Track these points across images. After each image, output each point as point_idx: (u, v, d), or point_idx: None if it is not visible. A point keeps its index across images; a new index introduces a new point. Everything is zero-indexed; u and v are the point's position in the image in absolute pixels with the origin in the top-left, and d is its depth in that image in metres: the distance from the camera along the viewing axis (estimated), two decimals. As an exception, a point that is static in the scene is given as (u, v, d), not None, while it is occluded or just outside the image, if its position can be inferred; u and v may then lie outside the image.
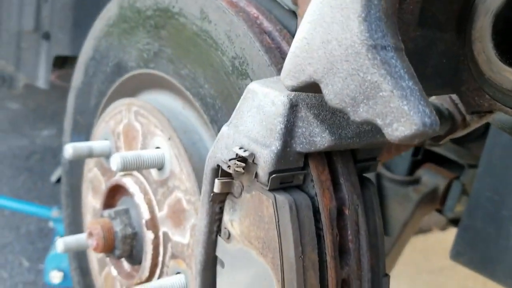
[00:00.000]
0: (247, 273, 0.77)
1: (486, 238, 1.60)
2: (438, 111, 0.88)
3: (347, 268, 0.76)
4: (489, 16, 0.66)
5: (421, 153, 2.05)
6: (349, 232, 0.76)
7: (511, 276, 1.48)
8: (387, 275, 0.81)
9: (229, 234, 0.79)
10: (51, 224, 2.77)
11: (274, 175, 0.70)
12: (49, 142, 4.02)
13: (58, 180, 3.00)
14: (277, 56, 0.79)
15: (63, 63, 2.34)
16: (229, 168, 0.73)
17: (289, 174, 0.72)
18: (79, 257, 1.48)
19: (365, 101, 0.54)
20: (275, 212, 0.70)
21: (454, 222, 1.97)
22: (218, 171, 0.77)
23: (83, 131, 1.39)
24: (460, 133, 0.91)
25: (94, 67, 1.29)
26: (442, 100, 0.90)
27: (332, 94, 0.57)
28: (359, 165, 0.80)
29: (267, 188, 0.71)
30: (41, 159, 3.80)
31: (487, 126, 1.88)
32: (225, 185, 0.76)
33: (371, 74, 0.53)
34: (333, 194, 0.75)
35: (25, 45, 2.19)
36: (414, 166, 2.06)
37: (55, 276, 2.34)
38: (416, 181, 2.01)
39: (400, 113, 0.52)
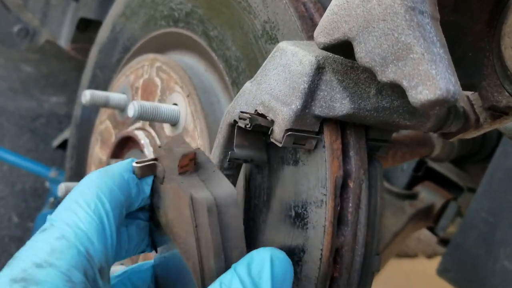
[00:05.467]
0: (174, 267, 0.70)
1: (475, 259, 1.61)
2: (454, 107, 0.89)
3: (343, 238, 0.77)
4: (522, 13, 0.68)
5: (423, 170, 2.08)
6: (350, 204, 0.77)
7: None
8: (378, 255, 0.82)
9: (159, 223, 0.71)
10: (47, 184, 2.79)
11: (289, 133, 0.72)
12: (57, 108, 4.04)
13: (59, 146, 3.01)
14: (309, 24, 0.80)
15: (86, 26, 2.36)
16: (246, 121, 0.74)
17: (303, 135, 0.73)
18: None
19: (394, 61, 0.56)
20: (192, 215, 0.62)
21: (444, 242, 1.99)
22: (234, 127, 0.79)
23: (100, 86, 1.41)
24: (471, 134, 0.92)
25: (122, 24, 1.31)
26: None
27: (363, 52, 0.59)
28: (370, 143, 0.82)
29: (281, 145, 0.72)
30: (46, 123, 3.82)
31: (490, 151, 1.91)
32: (147, 168, 0.69)
33: (405, 35, 0.55)
34: (341, 164, 0.76)
35: (54, 2, 2.21)
36: (414, 181, 2.09)
37: (43, 235, 2.35)
38: (413, 196, 2.03)
39: (427, 76, 0.54)
